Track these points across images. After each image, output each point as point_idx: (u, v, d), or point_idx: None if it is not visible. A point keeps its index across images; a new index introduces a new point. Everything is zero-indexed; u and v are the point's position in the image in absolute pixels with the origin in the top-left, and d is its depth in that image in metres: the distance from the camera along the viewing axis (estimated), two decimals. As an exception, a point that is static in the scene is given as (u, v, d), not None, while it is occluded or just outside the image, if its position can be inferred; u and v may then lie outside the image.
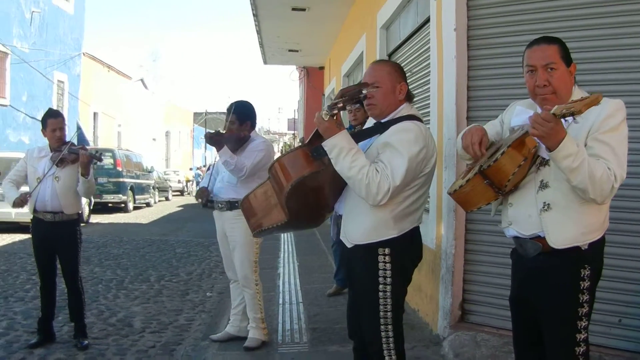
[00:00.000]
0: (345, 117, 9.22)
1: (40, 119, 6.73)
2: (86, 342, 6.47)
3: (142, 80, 50.40)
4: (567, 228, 3.24)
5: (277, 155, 4.81)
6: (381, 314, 3.86)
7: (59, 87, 30.65)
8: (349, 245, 3.95)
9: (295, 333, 6.81)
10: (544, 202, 3.29)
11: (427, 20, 7.22)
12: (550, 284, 3.31)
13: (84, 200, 18.36)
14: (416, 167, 3.76)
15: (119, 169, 25.04)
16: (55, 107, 26.56)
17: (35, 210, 6.42)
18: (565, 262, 3.27)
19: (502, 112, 3.78)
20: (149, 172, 30.45)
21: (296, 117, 39.72)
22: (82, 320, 6.58)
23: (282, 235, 14.84)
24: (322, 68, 22.69)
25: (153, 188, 31.32)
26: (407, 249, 3.95)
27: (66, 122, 6.75)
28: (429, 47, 7.12)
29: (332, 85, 19.05)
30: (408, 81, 4.16)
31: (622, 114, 3.19)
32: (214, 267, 11.75)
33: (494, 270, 5.81)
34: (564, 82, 3.34)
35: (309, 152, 3.78)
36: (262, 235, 4.47)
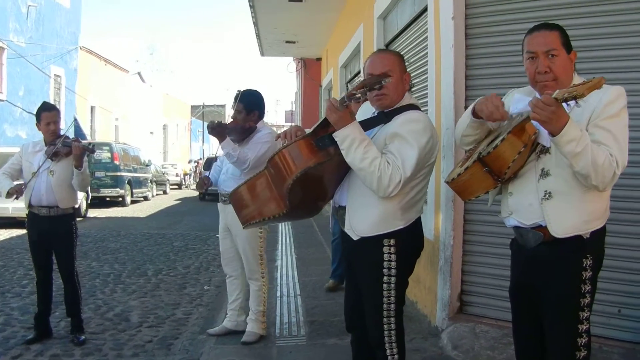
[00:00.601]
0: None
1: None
2: (83, 337, 6.43)
3: (139, 73, 50.33)
4: (569, 216, 3.19)
5: None
6: (384, 306, 3.84)
7: (56, 81, 30.56)
8: (355, 238, 3.89)
9: (293, 326, 6.78)
10: (545, 191, 3.23)
11: (425, 10, 7.17)
12: (551, 274, 3.27)
13: (81, 195, 18.57)
14: (424, 157, 3.73)
15: (117, 162, 24.97)
16: (52, 102, 26.50)
17: (30, 205, 6.37)
18: (567, 252, 3.22)
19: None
20: (147, 165, 30.41)
21: (293, 109, 39.60)
22: (78, 315, 6.53)
23: (280, 226, 14.82)
24: (319, 59, 22.66)
25: (151, 182, 31.30)
26: (411, 239, 3.93)
27: (61, 116, 6.68)
28: (426, 37, 7.08)
29: (330, 77, 19.01)
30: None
31: (623, 100, 3.13)
32: (211, 261, 11.70)
33: (493, 261, 5.77)
34: (565, 69, 3.29)
35: (312, 142, 3.69)
36: (254, 227, 4.39)
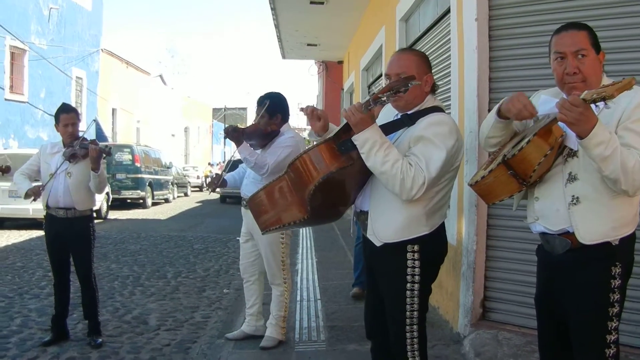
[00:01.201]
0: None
1: (56, 115, 6.63)
2: (100, 340, 6.38)
3: (160, 76, 50.49)
4: (598, 222, 3.09)
5: None
6: (407, 314, 3.75)
7: (78, 83, 30.73)
8: (377, 244, 3.79)
9: (312, 331, 6.69)
10: (573, 196, 3.13)
11: (447, 11, 7.07)
12: (579, 282, 3.16)
13: (102, 197, 18.62)
14: (450, 160, 3.64)
15: (138, 164, 25.03)
16: (73, 103, 26.64)
17: (47, 207, 6.34)
18: (595, 259, 3.12)
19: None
20: (168, 167, 30.46)
21: (315, 112, 39.52)
22: (96, 318, 6.48)
23: (301, 230, 14.74)
24: (340, 62, 22.59)
25: (172, 184, 31.36)
26: (435, 245, 3.84)
27: (82, 118, 6.64)
28: (449, 39, 6.98)
29: (351, 80, 18.93)
30: (429, 73, 4.00)
31: None
32: (231, 264, 11.64)
33: (517, 267, 5.67)
34: (594, 70, 3.20)
35: (334, 146, 3.60)
36: (273, 232, 4.32)
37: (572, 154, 3.17)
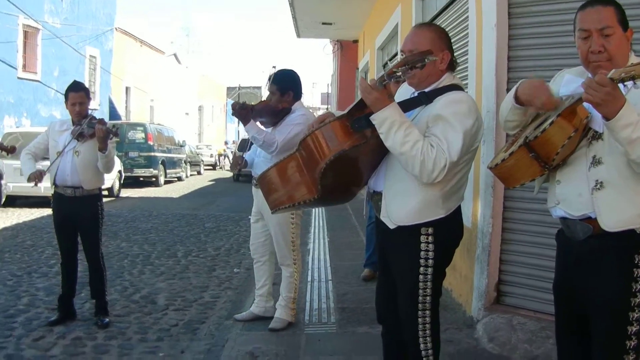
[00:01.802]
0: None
1: (69, 93, 6.51)
2: (107, 319, 6.31)
3: (175, 54, 50.43)
4: (622, 209, 2.93)
5: None
6: (420, 298, 3.60)
7: (91, 62, 30.72)
8: (391, 227, 3.64)
9: (323, 313, 6.60)
10: (596, 180, 2.97)
11: (466, -12, 6.90)
12: (600, 270, 3.01)
13: (114, 175, 18.59)
14: (469, 141, 3.48)
15: (150, 143, 25.04)
16: (87, 82, 26.68)
17: (55, 185, 6.27)
18: (617, 247, 2.96)
19: (547, 83, 3.45)
20: (181, 146, 30.49)
21: (329, 92, 39.48)
22: (103, 297, 6.41)
23: (314, 210, 14.62)
24: (356, 41, 22.39)
25: (185, 162, 31.38)
26: (451, 228, 3.69)
27: (90, 97, 6.52)
28: (467, 17, 6.82)
29: (366, 59, 18.78)
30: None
31: None
32: (242, 243, 11.53)
33: (533, 251, 5.54)
34: (620, 49, 3.02)
35: (347, 123, 3.46)
36: (283, 212, 4.20)
37: (597, 136, 3.01)
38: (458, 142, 3.38)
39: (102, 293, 6.40)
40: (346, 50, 23.80)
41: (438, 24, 8.31)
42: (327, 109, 47.77)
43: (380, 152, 3.59)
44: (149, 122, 29.06)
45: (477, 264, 5.96)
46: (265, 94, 6.14)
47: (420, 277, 3.58)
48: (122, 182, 21.06)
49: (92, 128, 6.09)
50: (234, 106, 5.85)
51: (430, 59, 3.26)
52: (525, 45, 5.64)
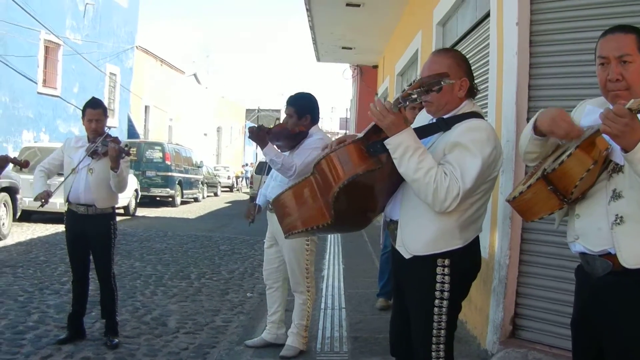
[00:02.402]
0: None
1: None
2: (116, 340, 6.24)
3: (195, 75, 50.65)
4: None
5: None
6: (434, 332, 3.50)
7: (111, 79, 30.87)
8: (406, 256, 3.55)
9: (335, 341, 6.49)
10: (617, 215, 2.87)
11: (487, 15, 6.84)
12: (619, 308, 2.90)
13: (130, 193, 18.59)
14: (487, 169, 3.40)
15: (168, 162, 25.15)
16: (106, 99, 26.79)
17: (69, 202, 6.24)
18: (638, 284, 2.85)
19: (569, 113, 3.37)
20: (199, 167, 30.55)
21: (348, 117, 39.52)
22: (113, 318, 6.34)
23: (329, 236, 14.51)
24: (375, 67, 22.41)
25: (202, 183, 31.46)
26: (468, 259, 3.60)
27: (107, 115, 6.50)
28: (487, 44, 6.75)
29: (386, 84, 18.76)
30: (466, 78, 3.76)
31: None
32: (257, 266, 11.42)
33: (550, 284, 5.41)
34: (639, 77, 2.94)
35: (363, 147, 3.38)
36: (297, 237, 4.12)
37: (618, 169, 2.92)
38: (474, 170, 3.30)
39: (112, 313, 6.33)
40: (366, 75, 23.82)
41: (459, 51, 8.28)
42: (345, 133, 47.96)
43: (397, 179, 3.50)
44: (167, 142, 29.13)
45: (493, 296, 5.85)
46: (284, 117, 6.10)
47: (435, 309, 3.48)
48: (138, 201, 21.10)
49: (106, 146, 6.05)
50: (251, 129, 5.81)
51: (446, 82, 3.18)
52: (546, 74, 5.55)
